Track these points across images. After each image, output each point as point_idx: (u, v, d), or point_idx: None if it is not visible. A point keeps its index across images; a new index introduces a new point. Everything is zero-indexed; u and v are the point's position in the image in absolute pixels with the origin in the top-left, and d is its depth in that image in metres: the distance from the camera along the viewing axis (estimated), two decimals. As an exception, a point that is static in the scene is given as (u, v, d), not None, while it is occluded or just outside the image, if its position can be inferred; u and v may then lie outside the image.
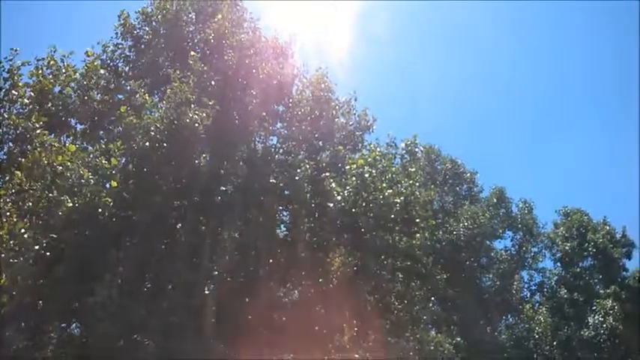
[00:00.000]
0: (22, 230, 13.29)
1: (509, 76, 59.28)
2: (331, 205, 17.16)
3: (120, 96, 18.40)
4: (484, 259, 33.03)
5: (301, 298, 17.45)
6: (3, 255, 12.95)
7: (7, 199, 13.93)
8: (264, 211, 17.55)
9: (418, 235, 18.18)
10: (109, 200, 14.75)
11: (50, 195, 14.49)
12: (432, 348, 23.25)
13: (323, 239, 17.72)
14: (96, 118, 18.12)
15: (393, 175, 18.12)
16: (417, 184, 18.47)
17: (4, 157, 15.63)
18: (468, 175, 35.65)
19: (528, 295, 35.14)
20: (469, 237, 31.69)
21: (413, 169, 19.31)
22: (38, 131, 15.24)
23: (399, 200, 17.40)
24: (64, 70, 17.56)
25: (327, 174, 17.52)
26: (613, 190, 55.77)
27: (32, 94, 16.66)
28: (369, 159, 18.06)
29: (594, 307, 31.96)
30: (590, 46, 62.28)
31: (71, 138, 17.52)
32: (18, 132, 15.46)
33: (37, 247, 13.64)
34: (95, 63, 18.40)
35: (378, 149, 18.91)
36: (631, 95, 60.10)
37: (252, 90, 18.14)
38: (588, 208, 36.19)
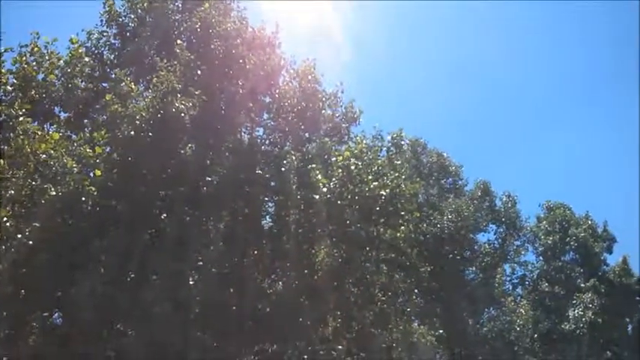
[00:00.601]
0: (5, 219, 13.15)
1: (494, 71, 59.70)
2: (317, 196, 17.17)
3: (105, 84, 18.18)
4: (468, 251, 33.24)
5: (286, 289, 17.48)
6: (-15, 243, 12.82)
7: (-11, 187, 13.76)
8: (250, 202, 17.52)
9: (403, 227, 18.26)
10: (93, 189, 14.59)
11: (33, 183, 14.31)
12: (415, 339, 23.43)
13: (308, 231, 17.73)
14: (80, 106, 17.91)
15: (379, 168, 18.16)
16: (403, 176, 18.53)
17: (-14, 144, 15.41)
18: (453, 168, 35.78)
19: (510, 288, 35.53)
20: (453, 230, 31.86)
21: (399, 162, 19.42)
22: (21, 119, 14.97)
23: (384, 193, 17.45)
24: (47, 58, 17.27)
25: (314, 166, 17.51)
26: (595, 184, 56.60)
27: (15, 81, 16.37)
28: (356, 151, 18.08)
29: (574, 301, 32.40)
30: (572, 40, 62.85)
31: (55, 126, 17.28)
32: (1, 119, 15.21)
33: (19, 236, 13.49)
34: (80, 50, 18.14)
35: (365, 141, 18.95)
36: (613, 91, 60.85)
37: (239, 80, 18.05)
38: (571, 202, 36.73)
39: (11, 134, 14.93)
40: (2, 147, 14.82)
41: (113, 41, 19.43)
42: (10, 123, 15.06)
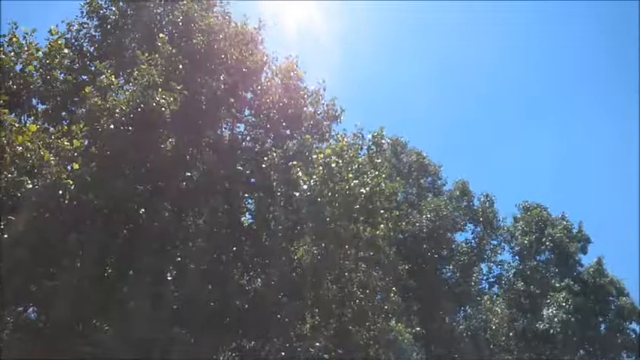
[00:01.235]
0: (-20, 211, 12.97)
1: (474, 71, 60.22)
2: (297, 193, 17.17)
3: (84, 77, 17.98)
4: (445, 250, 33.50)
5: (265, 286, 17.46)
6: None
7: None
8: (230, 198, 17.45)
9: (382, 225, 18.34)
10: (71, 183, 14.42)
11: (9, 175, 14.10)
12: (392, 337, 23.55)
13: (288, 228, 17.74)
14: (59, 98, 17.67)
15: (360, 166, 18.20)
16: (383, 175, 18.60)
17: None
18: (433, 167, 36.05)
19: (487, 286, 35.88)
20: (431, 229, 32.09)
21: (379, 161, 19.44)
22: (-2, 110, 14.78)
23: (364, 191, 17.50)
24: (26, 48, 17.03)
25: (294, 163, 17.50)
26: (571, 185, 57.50)
27: (-8, 71, 16.16)
28: (337, 149, 18.09)
29: (549, 300, 32.86)
30: (553, 39, 63.67)
31: (32, 118, 17.06)
32: (-23, 111, 14.98)
33: (-6, 229, 13.32)
34: (59, 42, 17.90)
35: (346, 140, 18.97)
36: (591, 92, 61.81)
37: (221, 76, 17.96)
38: (547, 203, 37.24)
39: (-13, 125, 14.70)
40: (-22, 138, 14.58)
41: (94, 33, 19.20)
42: (-13, 114, 14.83)
